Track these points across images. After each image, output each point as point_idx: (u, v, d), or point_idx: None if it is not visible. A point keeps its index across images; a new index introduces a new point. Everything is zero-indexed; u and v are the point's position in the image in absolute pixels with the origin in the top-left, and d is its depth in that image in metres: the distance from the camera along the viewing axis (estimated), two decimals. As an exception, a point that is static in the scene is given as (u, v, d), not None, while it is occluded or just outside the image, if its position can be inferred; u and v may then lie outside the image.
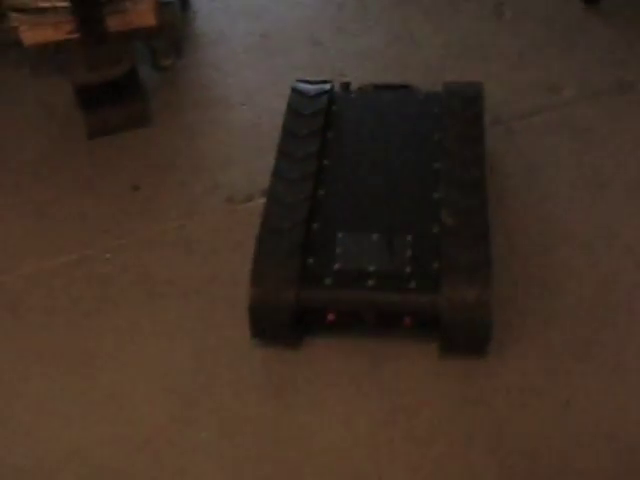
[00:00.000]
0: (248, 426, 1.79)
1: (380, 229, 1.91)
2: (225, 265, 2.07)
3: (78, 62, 2.41)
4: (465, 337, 1.81)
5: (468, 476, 1.69)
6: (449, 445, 1.73)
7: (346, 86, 2.31)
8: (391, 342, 1.90)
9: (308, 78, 2.30)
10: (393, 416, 1.78)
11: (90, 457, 1.76)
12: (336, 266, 1.86)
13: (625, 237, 2.09)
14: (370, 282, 1.82)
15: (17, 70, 2.69)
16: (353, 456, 1.73)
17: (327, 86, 2.25)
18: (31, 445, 1.79)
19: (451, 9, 2.83)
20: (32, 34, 2.44)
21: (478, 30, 2.73)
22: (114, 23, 2.41)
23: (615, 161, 2.28)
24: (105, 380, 1.89)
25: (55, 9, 2.39)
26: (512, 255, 2.05)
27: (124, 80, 2.43)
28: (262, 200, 2.04)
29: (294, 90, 2.25)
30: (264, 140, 2.26)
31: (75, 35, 2.40)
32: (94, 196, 2.30)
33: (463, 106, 2.16)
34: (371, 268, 1.84)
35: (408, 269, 1.84)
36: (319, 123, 2.15)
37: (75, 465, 1.74)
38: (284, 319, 1.83)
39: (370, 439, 1.75)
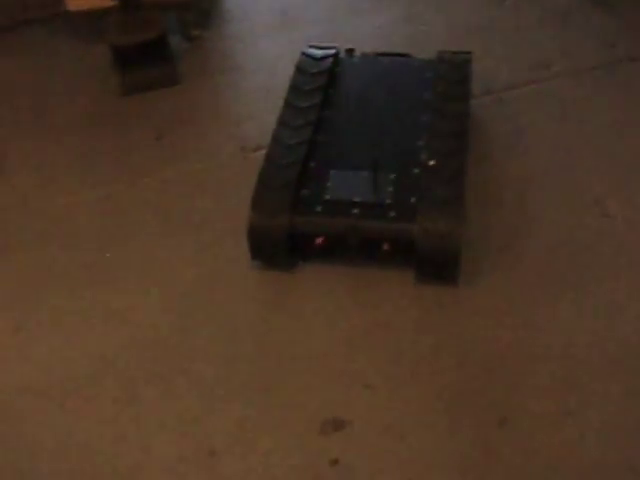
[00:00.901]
0: (241, 333, 2.05)
1: (368, 169, 2.16)
2: (235, 202, 2.30)
3: (115, 26, 2.72)
4: (436, 262, 2.05)
5: (434, 379, 1.93)
6: (418, 355, 1.98)
7: (350, 52, 2.58)
8: (373, 270, 2.15)
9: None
10: (370, 328, 2.03)
11: (102, 356, 2.03)
12: (326, 197, 2.12)
13: (594, 192, 2.32)
14: (355, 211, 2.08)
15: (62, 37, 3.00)
16: (332, 359, 1.98)
17: (332, 51, 2.54)
18: (55, 348, 2.06)
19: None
20: (77, 1, 2.74)
21: (480, 13, 2.99)
22: (149, -7, 2.72)
23: (592, 127, 2.52)
24: (119, 294, 2.17)
25: (97, -22, 2.71)
26: (489, 202, 2.29)
27: (156, 44, 2.73)
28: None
29: (303, 53, 2.54)
30: (277, 101, 2.49)
31: (114, 3, 2.70)
32: (124, 143, 2.61)
33: (452, 70, 2.43)
34: (357, 199, 2.10)
35: (389, 201, 2.09)
36: (322, 81, 2.42)
37: (92, 363, 2.02)
38: (279, 240, 2.08)
39: (348, 346, 2.00)
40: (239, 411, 1.89)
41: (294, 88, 2.41)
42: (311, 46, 2.58)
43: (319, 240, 2.09)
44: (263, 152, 2.39)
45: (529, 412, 1.85)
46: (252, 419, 1.88)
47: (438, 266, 2.06)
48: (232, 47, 2.99)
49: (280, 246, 2.10)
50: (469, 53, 2.48)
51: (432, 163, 2.13)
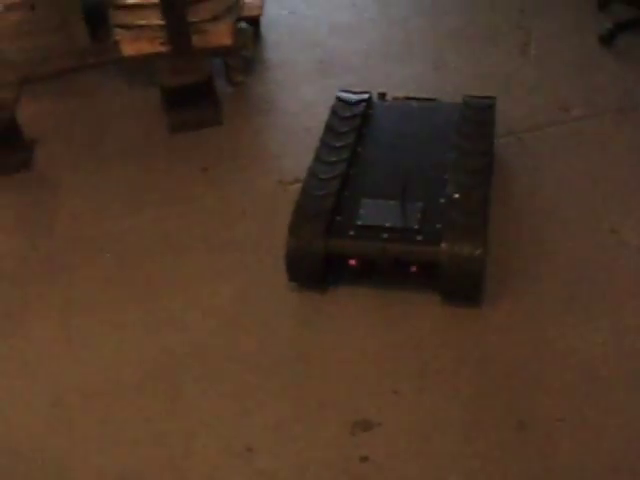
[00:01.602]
0: (279, 343, 2.22)
1: (397, 198, 2.33)
2: (274, 228, 2.46)
3: (166, 70, 2.95)
4: (460, 283, 2.21)
5: (456, 386, 2.07)
6: (441, 365, 2.12)
7: (382, 96, 2.79)
8: (401, 292, 2.30)
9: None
10: (398, 342, 2.19)
11: (149, 362, 2.20)
12: (359, 222, 2.29)
13: (610, 222, 2.47)
14: (385, 235, 2.25)
15: (117, 79, 3.26)
16: (362, 367, 2.14)
17: (366, 95, 2.74)
18: (105, 354, 2.24)
19: (484, 46, 3.30)
20: (131, 46, 2.98)
21: (504, 63, 3.19)
22: (197, 40, 2.95)
23: (609, 164, 2.69)
24: (166, 306, 2.35)
25: (151, 26, 2.95)
26: (509, 230, 2.46)
27: (202, 87, 2.96)
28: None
29: (338, 97, 2.74)
30: (313, 139, 2.68)
31: (165, 48, 2.94)
32: (171, 174, 2.82)
33: (477, 113, 2.62)
34: (387, 224, 2.27)
35: (416, 226, 2.26)
36: (356, 122, 2.62)
37: (139, 368, 2.19)
38: (315, 263, 2.25)
39: (377, 357, 2.16)
40: (275, 413, 2.05)
41: (329, 129, 2.61)
42: (345, 91, 2.77)
43: (352, 262, 2.25)
44: (299, 185, 2.56)
45: (546, 417, 1.98)
46: (287, 420, 2.04)
47: (462, 286, 2.21)
48: (272, 92, 3.22)
49: (315, 268, 2.26)
50: (493, 97, 2.67)
51: (456, 197, 2.30)
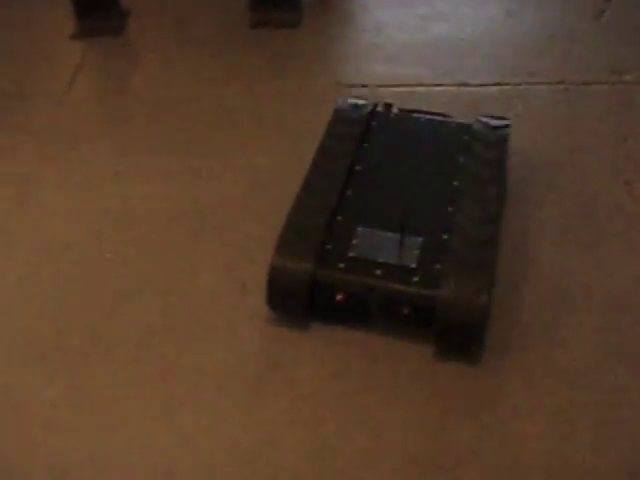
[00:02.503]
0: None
1: (395, 229, 2.11)
2: (318, 120, 2.57)
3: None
4: (457, 335, 1.97)
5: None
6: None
7: (388, 106, 2.54)
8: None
9: (352, 98, 2.60)
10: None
11: (177, 207, 2.52)
12: (350, 254, 2.08)
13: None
14: (378, 271, 2.03)
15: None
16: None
17: (370, 105, 2.53)
18: (145, 194, 2.57)
19: (561, 5, 3.42)
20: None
21: (574, 23, 3.30)
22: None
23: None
24: (205, 162, 2.67)
25: None
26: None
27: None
28: (358, 89, 2.82)
29: (338, 105, 2.53)
30: (378, 55, 2.95)
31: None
32: (241, 63, 3.11)
33: (489, 136, 2.40)
34: (381, 259, 2.06)
35: (413, 265, 2.04)
36: (357, 134, 2.41)
37: (170, 208, 2.51)
38: (298, 292, 2.05)
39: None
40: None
41: (328, 139, 2.42)
42: (347, 97, 2.59)
43: (339, 296, 2.04)
44: (353, 89, 2.78)
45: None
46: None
47: (459, 340, 1.98)
48: (353, 10, 3.46)
49: (299, 297, 2.06)
50: (508, 122, 2.46)
51: (461, 234, 2.09)
